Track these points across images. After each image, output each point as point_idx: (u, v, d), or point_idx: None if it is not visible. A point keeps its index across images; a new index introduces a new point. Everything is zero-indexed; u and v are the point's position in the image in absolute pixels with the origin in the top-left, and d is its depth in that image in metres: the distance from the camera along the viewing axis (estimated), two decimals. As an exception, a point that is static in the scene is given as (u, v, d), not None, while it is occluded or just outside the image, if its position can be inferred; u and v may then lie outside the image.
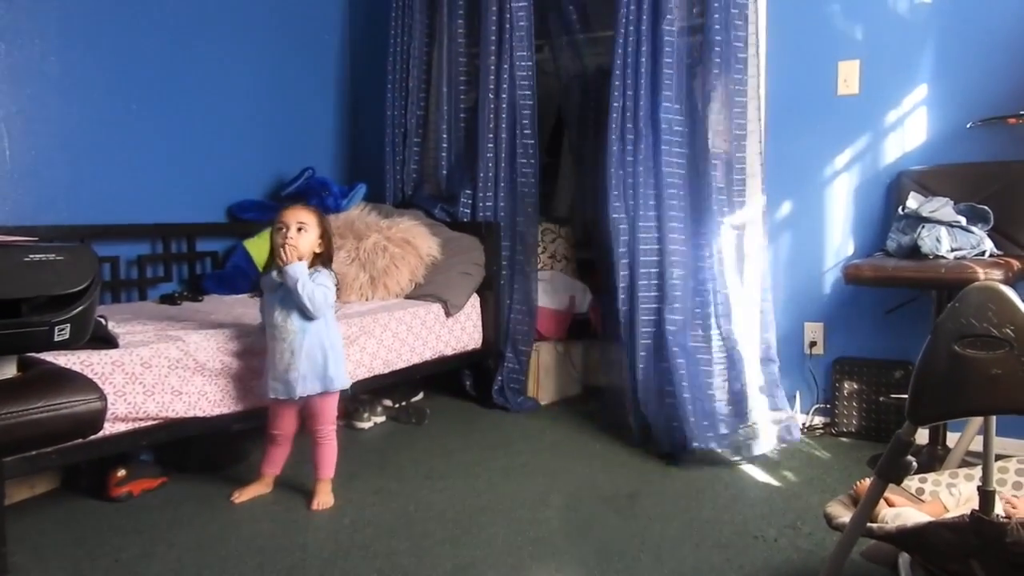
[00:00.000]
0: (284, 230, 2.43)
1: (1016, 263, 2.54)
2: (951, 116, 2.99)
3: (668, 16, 3.18)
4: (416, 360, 3.28)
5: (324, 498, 2.48)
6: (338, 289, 2.58)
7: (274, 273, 2.48)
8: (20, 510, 2.40)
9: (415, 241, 3.53)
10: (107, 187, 3.31)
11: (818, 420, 3.26)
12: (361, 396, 3.33)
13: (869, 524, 1.49)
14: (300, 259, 2.42)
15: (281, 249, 2.41)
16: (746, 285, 3.23)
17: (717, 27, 3.14)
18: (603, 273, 3.51)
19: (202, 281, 3.63)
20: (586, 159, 3.72)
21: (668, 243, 3.23)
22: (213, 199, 3.79)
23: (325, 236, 2.52)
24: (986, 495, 1.34)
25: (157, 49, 3.48)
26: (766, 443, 2.95)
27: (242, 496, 2.51)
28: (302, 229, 2.44)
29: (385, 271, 3.42)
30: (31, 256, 1.07)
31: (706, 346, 3.14)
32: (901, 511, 1.65)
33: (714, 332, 3.15)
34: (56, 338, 1.11)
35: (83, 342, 1.18)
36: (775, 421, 3.05)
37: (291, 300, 2.41)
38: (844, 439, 3.14)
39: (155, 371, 2.33)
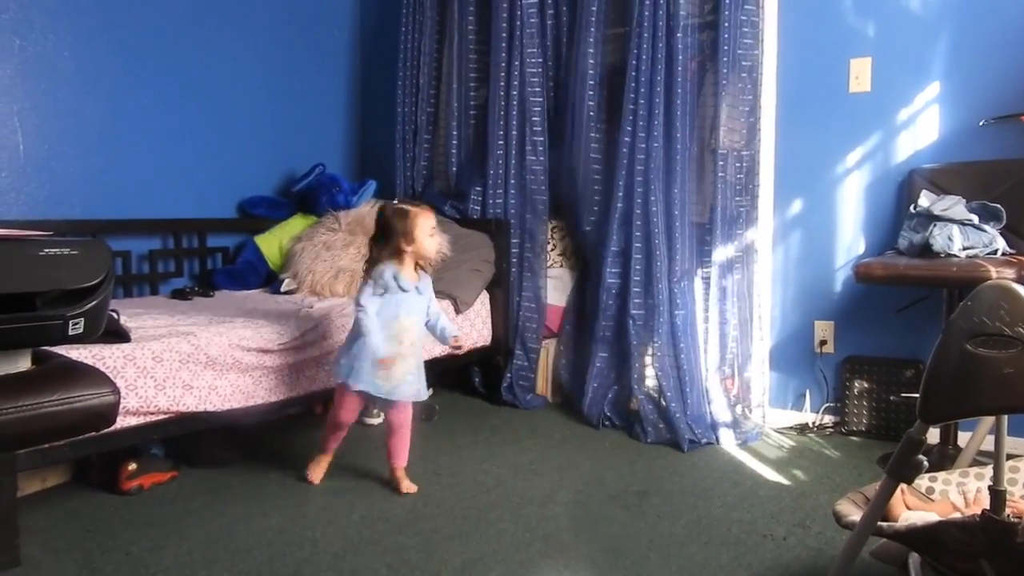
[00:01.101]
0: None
1: (1029, 262, 2.53)
2: (963, 114, 2.97)
3: (682, 13, 3.20)
4: (425, 357, 3.27)
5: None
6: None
7: (405, 279, 2.51)
8: (32, 503, 2.42)
9: (425, 238, 3.53)
10: (119, 182, 3.33)
11: (828, 419, 3.25)
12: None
13: (879, 523, 1.49)
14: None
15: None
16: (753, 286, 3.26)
17: (727, 24, 3.14)
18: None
19: (213, 276, 3.65)
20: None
21: (675, 241, 3.24)
22: (224, 195, 3.81)
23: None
24: (997, 495, 1.34)
25: (169, 44, 3.50)
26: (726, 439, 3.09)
27: (316, 474, 2.60)
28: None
29: (395, 267, 3.42)
30: (46, 250, 1.07)
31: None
32: (915, 514, 1.64)
33: (712, 325, 3.24)
34: (70, 332, 1.11)
35: (96, 336, 1.18)
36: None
37: (417, 308, 2.52)
38: (854, 438, 3.13)
39: (166, 365, 2.34)
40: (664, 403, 3.16)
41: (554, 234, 3.94)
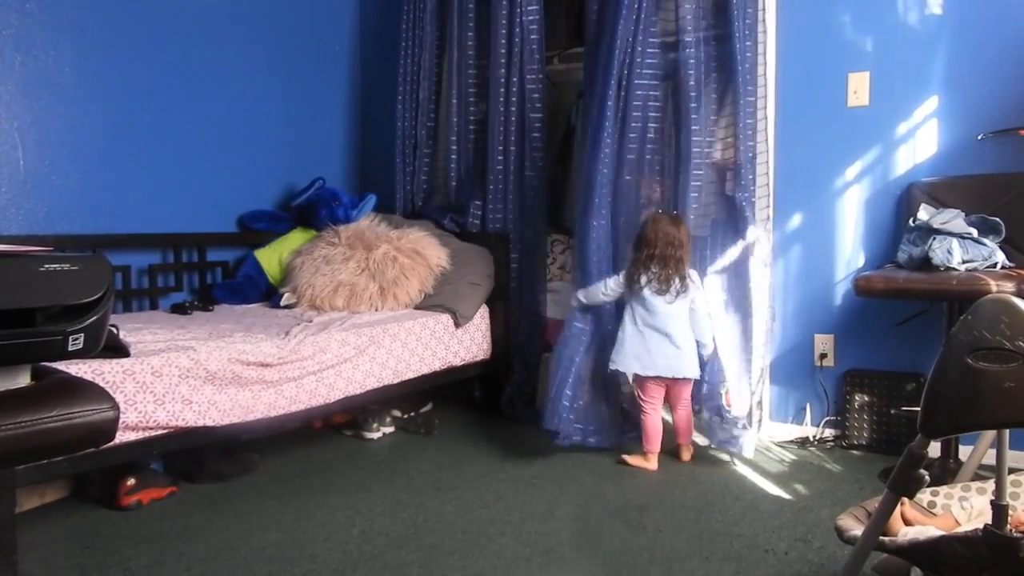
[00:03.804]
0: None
1: (1028, 275, 2.53)
2: (962, 128, 2.99)
3: (680, 27, 3.22)
4: (425, 370, 3.28)
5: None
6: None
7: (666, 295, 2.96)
8: (30, 518, 2.41)
9: (425, 252, 3.54)
10: (119, 196, 3.34)
11: (829, 432, 3.24)
12: (370, 406, 3.34)
13: (881, 538, 1.48)
14: None
15: None
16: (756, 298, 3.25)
17: (727, 39, 3.15)
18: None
19: (212, 290, 3.65)
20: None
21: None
22: (224, 209, 3.81)
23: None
24: (999, 509, 1.33)
25: (169, 60, 3.51)
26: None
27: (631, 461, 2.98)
28: None
29: (395, 281, 3.43)
30: (47, 266, 1.08)
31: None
32: (917, 529, 1.64)
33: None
34: (70, 348, 1.11)
35: (96, 351, 1.18)
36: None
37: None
38: (855, 452, 3.12)
39: (165, 380, 2.34)
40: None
41: (554, 248, 3.95)
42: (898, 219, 3.09)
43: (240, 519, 2.44)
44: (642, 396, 3.03)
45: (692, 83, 3.24)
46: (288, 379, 2.70)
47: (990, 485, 1.73)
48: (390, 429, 3.44)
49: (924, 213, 2.78)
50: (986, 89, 2.94)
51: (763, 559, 2.16)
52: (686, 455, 3.04)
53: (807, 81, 3.25)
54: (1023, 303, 1.26)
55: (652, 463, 2.96)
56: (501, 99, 3.73)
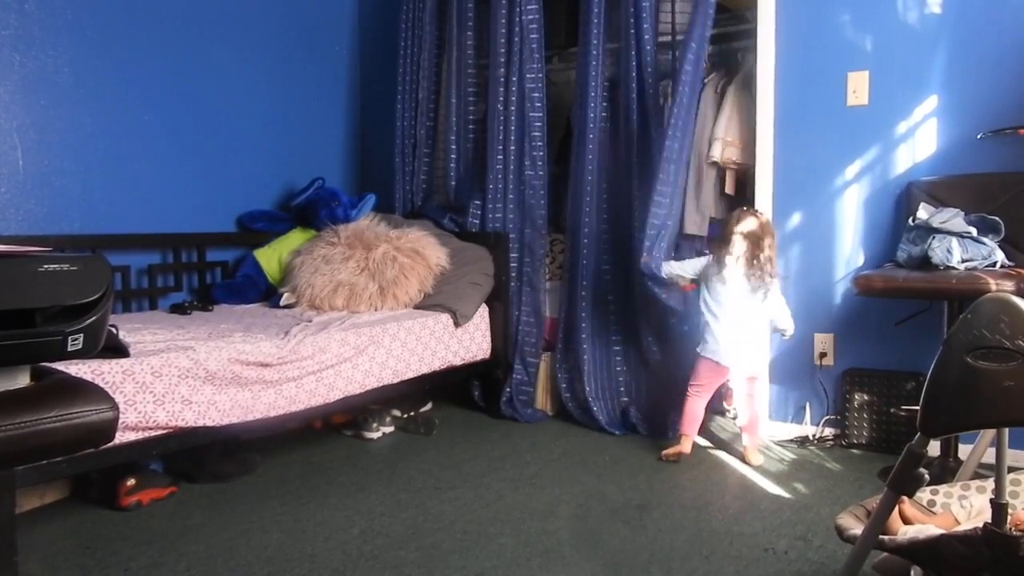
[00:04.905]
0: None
1: (1028, 274, 2.52)
2: (961, 127, 2.98)
3: (677, 27, 3.22)
4: (425, 370, 3.28)
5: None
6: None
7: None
8: (30, 519, 2.41)
9: (424, 251, 3.53)
10: (119, 197, 3.34)
11: (828, 431, 3.24)
12: (370, 406, 3.34)
13: (881, 537, 1.48)
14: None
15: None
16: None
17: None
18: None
19: (212, 290, 3.65)
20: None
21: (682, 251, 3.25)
22: (223, 209, 3.81)
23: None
24: (999, 508, 1.33)
25: (169, 60, 3.51)
26: None
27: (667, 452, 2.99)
28: None
29: (394, 281, 3.43)
30: (46, 266, 1.08)
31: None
32: (917, 528, 1.63)
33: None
34: (70, 348, 1.11)
35: (96, 352, 1.18)
36: None
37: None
38: (855, 451, 3.12)
39: (165, 380, 2.34)
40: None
41: (553, 247, 3.95)
42: (897, 218, 3.09)
43: (240, 519, 2.44)
44: (694, 380, 3.03)
45: (691, 83, 3.24)
46: (288, 379, 2.70)
47: (990, 484, 1.73)
48: (390, 429, 3.44)
49: (923, 212, 2.78)
50: (986, 88, 2.94)
51: (763, 558, 2.16)
52: (754, 458, 2.98)
53: (807, 80, 3.25)
54: (1023, 302, 1.26)
55: (686, 445, 2.99)
56: (501, 99, 3.72)
